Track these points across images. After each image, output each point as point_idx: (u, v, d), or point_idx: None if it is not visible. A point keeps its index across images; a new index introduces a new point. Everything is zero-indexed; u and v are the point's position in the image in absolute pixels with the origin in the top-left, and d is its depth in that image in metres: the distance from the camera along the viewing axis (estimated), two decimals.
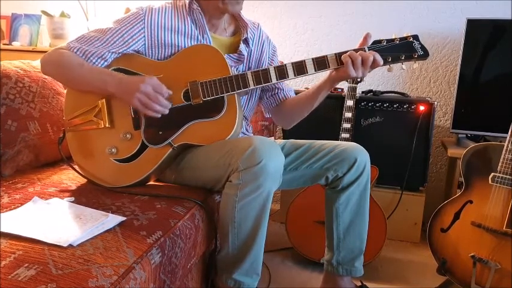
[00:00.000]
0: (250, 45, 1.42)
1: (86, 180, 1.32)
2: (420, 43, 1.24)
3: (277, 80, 1.25)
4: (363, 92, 2.12)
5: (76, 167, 1.33)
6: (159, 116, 1.22)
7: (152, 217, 1.08)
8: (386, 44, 1.25)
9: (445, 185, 2.27)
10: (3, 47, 2.37)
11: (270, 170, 1.11)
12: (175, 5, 1.34)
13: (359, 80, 1.90)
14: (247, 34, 1.39)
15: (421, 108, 1.96)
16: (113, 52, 1.27)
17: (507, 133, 1.44)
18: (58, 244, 0.89)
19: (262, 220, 1.17)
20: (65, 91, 1.39)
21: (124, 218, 1.04)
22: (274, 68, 1.25)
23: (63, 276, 0.79)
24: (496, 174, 1.45)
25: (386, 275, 1.78)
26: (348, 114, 1.87)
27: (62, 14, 2.37)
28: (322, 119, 2.05)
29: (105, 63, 1.28)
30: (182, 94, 1.26)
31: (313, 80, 2.44)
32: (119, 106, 1.28)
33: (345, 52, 1.23)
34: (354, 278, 1.46)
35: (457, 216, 1.53)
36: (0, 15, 2.55)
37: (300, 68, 1.24)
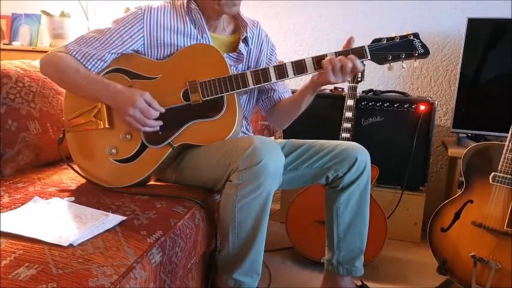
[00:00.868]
0: (250, 44, 1.42)
1: (86, 180, 1.32)
2: (420, 41, 1.24)
3: (276, 79, 1.25)
4: (363, 92, 2.12)
5: (76, 167, 1.33)
6: None
7: (152, 217, 1.08)
8: (387, 42, 1.24)
9: (445, 185, 2.27)
10: (3, 46, 2.37)
11: (270, 170, 1.11)
12: (174, 5, 1.34)
13: (359, 79, 1.90)
14: (246, 33, 1.39)
15: (422, 107, 1.96)
16: (112, 53, 1.27)
17: (508, 133, 1.44)
18: (58, 244, 0.89)
19: (263, 220, 1.17)
20: (65, 91, 1.39)
21: (124, 218, 1.04)
22: (274, 67, 1.25)
23: (64, 275, 0.79)
24: (496, 173, 1.45)
25: (387, 274, 1.78)
26: (349, 114, 1.87)
27: (62, 14, 2.37)
28: (322, 119, 2.05)
29: (104, 64, 1.28)
30: (181, 94, 1.26)
31: None
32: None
33: (346, 51, 1.23)
34: (354, 277, 1.46)
35: (457, 216, 1.53)
36: (0, 15, 2.55)
37: (299, 67, 1.24)
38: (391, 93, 2.12)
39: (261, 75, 1.25)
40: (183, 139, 1.25)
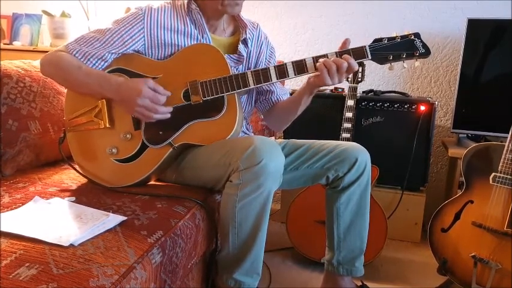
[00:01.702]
0: (249, 46, 1.42)
1: (86, 180, 1.32)
2: (421, 41, 1.23)
3: (277, 79, 1.25)
4: (363, 92, 2.12)
5: (77, 167, 1.33)
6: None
7: (153, 217, 1.08)
8: (387, 42, 1.24)
9: (445, 185, 2.27)
10: (4, 46, 2.37)
11: (270, 170, 1.11)
12: (174, 5, 1.34)
13: (359, 79, 1.90)
14: (246, 35, 1.39)
15: (422, 108, 1.96)
16: (112, 53, 1.27)
17: (508, 133, 1.44)
18: (59, 244, 0.89)
19: (263, 220, 1.17)
20: (66, 91, 1.40)
21: (125, 218, 1.04)
22: (274, 67, 1.25)
23: (64, 275, 0.80)
24: (496, 174, 1.45)
25: (387, 274, 1.78)
26: (349, 114, 1.87)
27: (63, 14, 2.37)
28: (322, 119, 2.05)
29: (105, 64, 1.28)
30: (182, 94, 1.26)
31: None
32: (118, 106, 1.28)
33: (346, 51, 1.22)
34: (354, 277, 1.46)
35: (457, 216, 1.53)
36: (0, 14, 2.56)
37: (300, 67, 1.24)
38: (391, 94, 2.12)
39: (262, 75, 1.25)
40: (183, 139, 1.26)
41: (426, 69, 2.29)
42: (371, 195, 1.45)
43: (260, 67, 1.45)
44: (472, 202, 1.51)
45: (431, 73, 2.29)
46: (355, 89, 1.90)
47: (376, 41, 1.25)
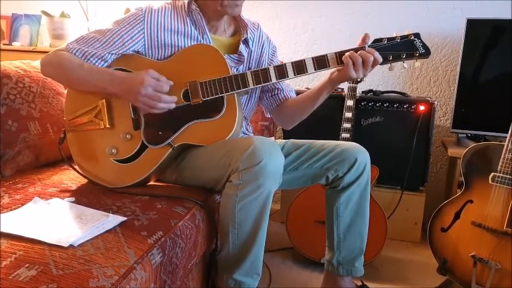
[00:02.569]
0: (250, 46, 1.42)
1: (86, 180, 1.32)
2: (421, 41, 1.23)
3: (276, 79, 1.25)
4: (363, 92, 2.12)
5: (76, 167, 1.33)
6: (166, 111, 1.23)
7: (153, 217, 1.08)
8: (387, 42, 1.24)
9: (445, 185, 2.27)
10: (3, 47, 2.37)
11: (270, 170, 1.11)
12: (175, 6, 1.34)
13: (359, 79, 1.90)
14: (247, 34, 1.39)
15: (421, 108, 1.96)
16: (112, 53, 1.27)
17: (507, 133, 1.44)
18: (59, 244, 0.89)
19: (263, 220, 1.17)
20: (66, 91, 1.40)
21: (125, 218, 1.04)
22: (274, 67, 1.25)
23: (64, 276, 0.79)
24: (496, 174, 1.45)
25: (387, 274, 1.78)
26: (348, 114, 1.87)
27: (62, 14, 2.37)
28: (322, 119, 2.04)
29: (105, 64, 1.28)
30: (182, 94, 1.26)
31: (314, 79, 2.44)
32: (118, 106, 1.28)
33: (346, 51, 1.23)
34: (354, 277, 1.46)
35: (457, 216, 1.53)
36: (0, 15, 2.55)
37: (299, 68, 1.24)
38: (390, 94, 2.12)
39: (261, 75, 1.25)
40: (183, 139, 1.26)
41: (425, 69, 2.29)
42: (371, 195, 1.45)
43: (262, 67, 1.44)
44: (471, 202, 1.51)
45: (430, 73, 2.29)
46: (354, 89, 1.90)
47: (375, 41, 1.25)
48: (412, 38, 1.23)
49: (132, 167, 1.27)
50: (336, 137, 1.87)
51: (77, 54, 1.25)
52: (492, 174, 1.46)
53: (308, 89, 2.25)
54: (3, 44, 2.42)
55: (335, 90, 2.08)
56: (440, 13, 2.21)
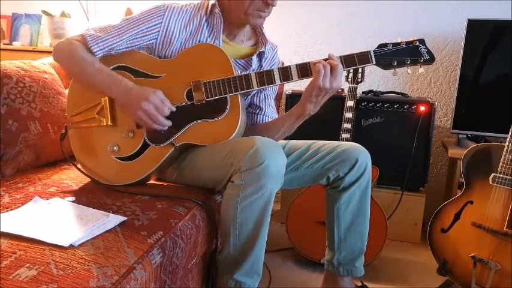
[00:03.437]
0: (263, 61, 1.42)
1: (86, 180, 1.32)
2: (426, 47, 1.23)
3: (281, 81, 1.25)
4: (363, 93, 2.12)
5: (77, 164, 1.33)
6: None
7: (153, 217, 1.08)
8: (392, 47, 1.24)
9: (445, 186, 2.27)
10: (3, 46, 2.37)
11: (272, 171, 1.11)
12: (199, 6, 1.34)
13: (359, 80, 1.90)
14: (264, 49, 1.40)
15: (422, 108, 1.96)
16: (125, 41, 1.26)
17: (507, 133, 1.44)
18: (59, 244, 0.89)
19: (264, 221, 1.17)
20: (66, 91, 1.39)
21: (125, 218, 1.04)
22: (279, 69, 1.25)
23: (64, 276, 0.79)
24: (496, 174, 1.45)
25: (387, 275, 1.78)
26: (349, 115, 1.87)
27: (63, 14, 2.37)
28: (322, 120, 2.04)
29: (112, 52, 1.28)
30: (185, 93, 1.26)
31: None
32: (120, 109, 1.28)
33: (351, 55, 1.22)
34: (354, 278, 1.46)
35: (457, 216, 1.53)
36: (0, 15, 2.55)
37: (304, 70, 1.24)
38: (391, 94, 2.12)
39: (265, 76, 1.24)
40: (185, 139, 1.25)
41: (426, 70, 2.29)
42: (371, 195, 1.45)
43: None
44: (471, 202, 1.51)
45: (431, 74, 2.29)
46: (355, 89, 1.90)
47: (380, 46, 1.25)
48: (417, 44, 1.23)
49: (133, 165, 1.27)
50: (336, 137, 1.86)
51: (89, 39, 1.25)
52: (492, 175, 1.46)
53: None
54: (4, 44, 2.43)
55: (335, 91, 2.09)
56: (441, 14, 2.21)
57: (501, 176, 1.44)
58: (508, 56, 1.89)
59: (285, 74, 1.24)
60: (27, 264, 0.82)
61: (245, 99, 1.40)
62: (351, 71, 1.90)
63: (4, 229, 0.93)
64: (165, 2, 1.32)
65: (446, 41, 2.23)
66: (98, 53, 1.26)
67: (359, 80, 1.89)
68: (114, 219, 1.02)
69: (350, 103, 1.88)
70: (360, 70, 1.89)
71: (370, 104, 2.03)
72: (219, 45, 1.33)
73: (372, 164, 1.41)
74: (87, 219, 1.02)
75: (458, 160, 1.84)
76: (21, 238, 0.91)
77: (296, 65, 1.24)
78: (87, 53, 1.25)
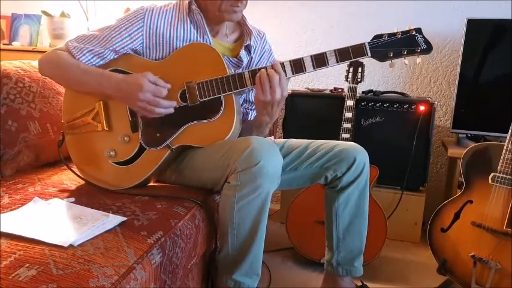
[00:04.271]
0: (252, 53, 1.42)
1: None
2: (423, 36, 1.20)
3: None
4: (363, 92, 2.12)
5: (76, 170, 1.33)
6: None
7: (153, 217, 1.08)
8: (388, 38, 1.20)
9: (445, 185, 2.27)
10: (3, 47, 2.37)
11: (268, 171, 1.11)
12: (178, 6, 1.33)
13: (359, 79, 1.90)
14: (250, 41, 1.38)
15: (421, 108, 1.96)
16: (110, 50, 1.26)
17: (507, 133, 1.44)
18: (59, 244, 0.89)
19: (261, 221, 1.17)
20: (64, 92, 1.39)
21: (124, 218, 1.04)
22: (271, 66, 1.23)
23: (64, 276, 0.80)
24: (496, 174, 1.45)
25: (387, 275, 1.78)
26: (348, 114, 1.87)
27: (62, 14, 2.37)
28: (322, 119, 2.05)
29: (101, 61, 1.27)
30: (179, 95, 1.25)
31: (314, 79, 2.44)
32: (116, 108, 1.28)
33: (345, 48, 1.20)
34: (354, 278, 1.46)
35: (457, 216, 1.53)
36: (0, 15, 2.55)
37: (297, 66, 1.22)
38: (390, 94, 2.12)
39: None
40: (181, 141, 1.25)
41: (426, 70, 2.29)
42: (370, 195, 1.45)
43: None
44: (471, 202, 1.51)
45: (430, 73, 2.29)
46: (354, 89, 1.90)
47: (376, 37, 1.21)
48: (414, 33, 1.20)
49: (131, 169, 1.27)
50: (336, 137, 1.86)
51: (74, 51, 1.25)
52: (492, 174, 1.46)
53: (308, 89, 2.26)
54: (3, 44, 2.43)
55: (335, 90, 2.09)
56: (441, 13, 2.21)
57: (501, 175, 1.44)
58: (507, 55, 1.89)
59: (278, 70, 1.23)
60: (27, 264, 0.82)
61: (240, 96, 1.40)
62: (351, 70, 1.90)
63: (4, 229, 0.94)
64: (143, 5, 1.30)
65: (446, 40, 2.23)
66: (86, 63, 1.26)
67: (359, 79, 1.89)
68: (113, 220, 1.02)
69: (350, 103, 1.88)
70: (360, 69, 1.89)
71: (370, 104, 2.03)
72: (209, 40, 1.32)
73: (372, 164, 1.41)
74: (87, 220, 1.02)
75: (458, 159, 1.84)
76: (21, 238, 0.91)
77: (290, 61, 1.22)
78: (72, 58, 1.25)
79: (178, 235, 1.07)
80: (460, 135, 2.07)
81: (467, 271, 1.49)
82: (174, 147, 1.25)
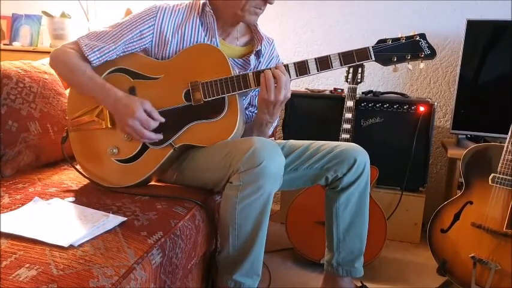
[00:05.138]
0: (261, 58, 1.42)
1: (87, 180, 1.32)
2: (427, 42, 1.21)
3: None
4: (363, 93, 2.12)
5: (78, 166, 1.33)
6: None
7: (153, 217, 1.08)
8: (392, 43, 1.22)
9: (445, 186, 2.27)
10: (3, 47, 2.37)
11: (270, 171, 1.11)
12: (191, 6, 1.34)
13: (359, 80, 1.90)
14: (261, 47, 1.39)
15: (421, 108, 1.96)
16: (121, 47, 1.27)
17: (507, 134, 1.44)
18: (59, 244, 0.89)
19: (263, 221, 1.17)
20: (67, 91, 1.40)
21: (125, 219, 1.04)
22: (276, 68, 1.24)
23: (64, 276, 0.80)
24: (496, 175, 1.45)
25: (387, 275, 1.78)
26: (348, 115, 1.87)
27: (63, 15, 2.37)
28: (322, 120, 2.05)
29: (108, 58, 1.28)
30: (183, 94, 1.26)
31: (314, 80, 2.44)
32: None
33: (350, 52, 1.21)
34: (354, 278, 1.46)
35: (457, 217, 1.53)
36: (0, 15, 2.56)
37: (302, 68, 1.23)
38: (390, 95, 2.12)
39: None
40: (184, 140, 1.25)
41: (425, 70, 2.29)
42: (370, 195, 1.45)
43: None
44: (471, 203, 1.51)
45: (430, 74, 2.29)
46: (354, 89, 1.90)
47: (380, 41, 1.23)
48: (418, 38, 1.21)
49: (133, 167, 1.27)
50: (336, 137, 1.87)
51: (85, 49, 1.26)
52: (492, 175, 1.46)
53: (307, 89, 2.26)
54: (4, 44, 2.43)
55: (335, 91, 2.09)
56: (440, 14, 2.21)
57: (501, 176, 1.44)
58: (507, 56, 1.89)
59: (283, 72, 1.24)
60: (27, 265, 0.82)
61: (244, 98, 1.40)
62: (351, 71, 1.90)
63: (4, 229, 0.94)
64: (156, 3, 1.31)
65: (445, 41, 2.23)
66: (94, 61, 1.26)
67: (358, 80, 1.89)
68: (114, 220, 1.02)
69: (350, 103, 1.88)
70: (360, 70, 1.89)
71: (370, 105, 2.03)
72: (216, 43, 1.33)
73: (372, 164, 1.41)
74: (87, 220, 1.02)
75: (457, 160, 1.84)
76: (21, 238, 0.91)
77: (294, 63, 1.23)
78: (80, 60, 1.26)
79: (178, 235, 1.08)
80: (460, 136, 2.07)
81: (467, 272, 1.49)
82: (176, 146, 1.25)
